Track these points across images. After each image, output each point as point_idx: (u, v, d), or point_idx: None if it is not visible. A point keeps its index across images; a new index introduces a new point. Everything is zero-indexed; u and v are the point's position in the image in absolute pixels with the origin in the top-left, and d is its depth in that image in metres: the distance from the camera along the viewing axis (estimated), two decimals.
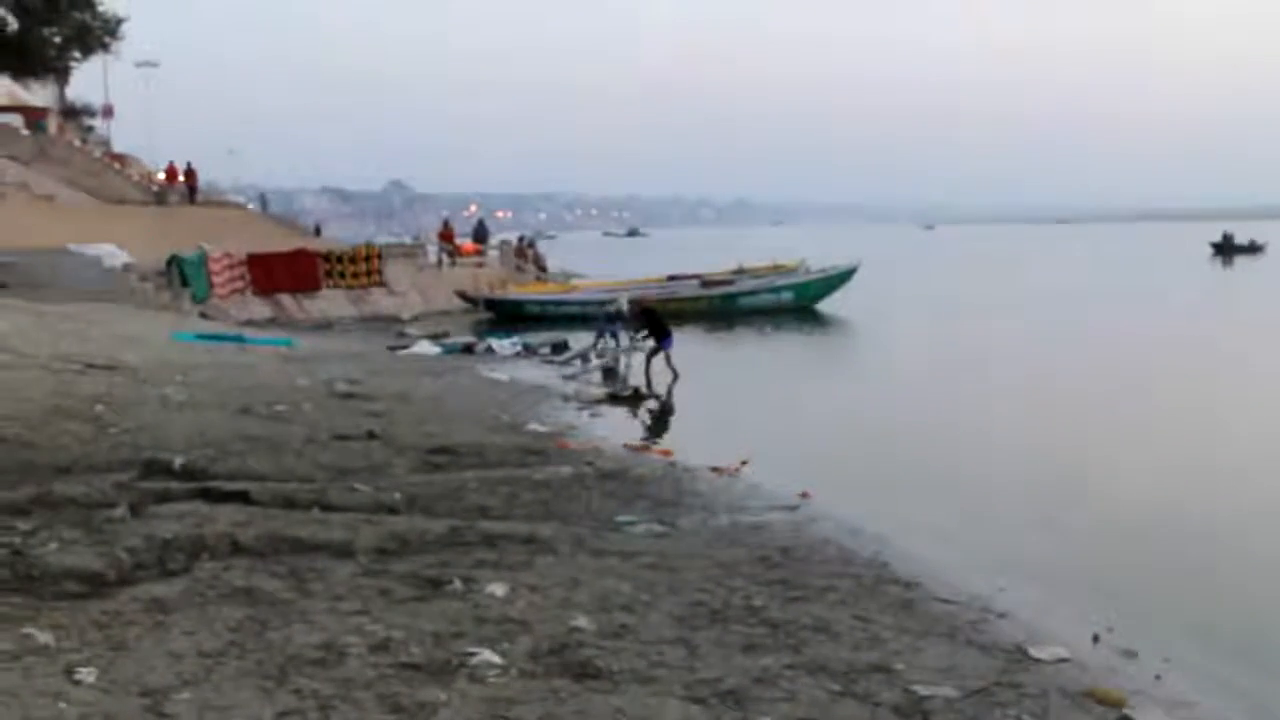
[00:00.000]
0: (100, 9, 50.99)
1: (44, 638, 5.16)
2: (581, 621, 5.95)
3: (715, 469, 11.27)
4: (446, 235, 41.75)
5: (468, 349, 23.39)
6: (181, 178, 47.72)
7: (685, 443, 13.09)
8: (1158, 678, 6.32)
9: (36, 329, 17.39)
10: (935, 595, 7.33)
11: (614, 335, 22.59)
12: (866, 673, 5.57)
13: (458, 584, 6.51)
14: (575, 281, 40.64)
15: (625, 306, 22.68)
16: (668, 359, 19.51)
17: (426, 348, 22.93)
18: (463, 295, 33.42)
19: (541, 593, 6.46)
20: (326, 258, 32.09)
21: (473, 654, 5.35)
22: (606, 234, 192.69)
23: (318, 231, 51.12)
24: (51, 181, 40.86)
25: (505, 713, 4.73)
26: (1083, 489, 11.72)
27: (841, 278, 34.03)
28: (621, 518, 8.77)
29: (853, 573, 7.71)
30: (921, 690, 5.37)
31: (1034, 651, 6.25)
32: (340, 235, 66.28)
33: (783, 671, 5.48)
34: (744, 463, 11.49)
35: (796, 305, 32.85)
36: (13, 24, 46.51)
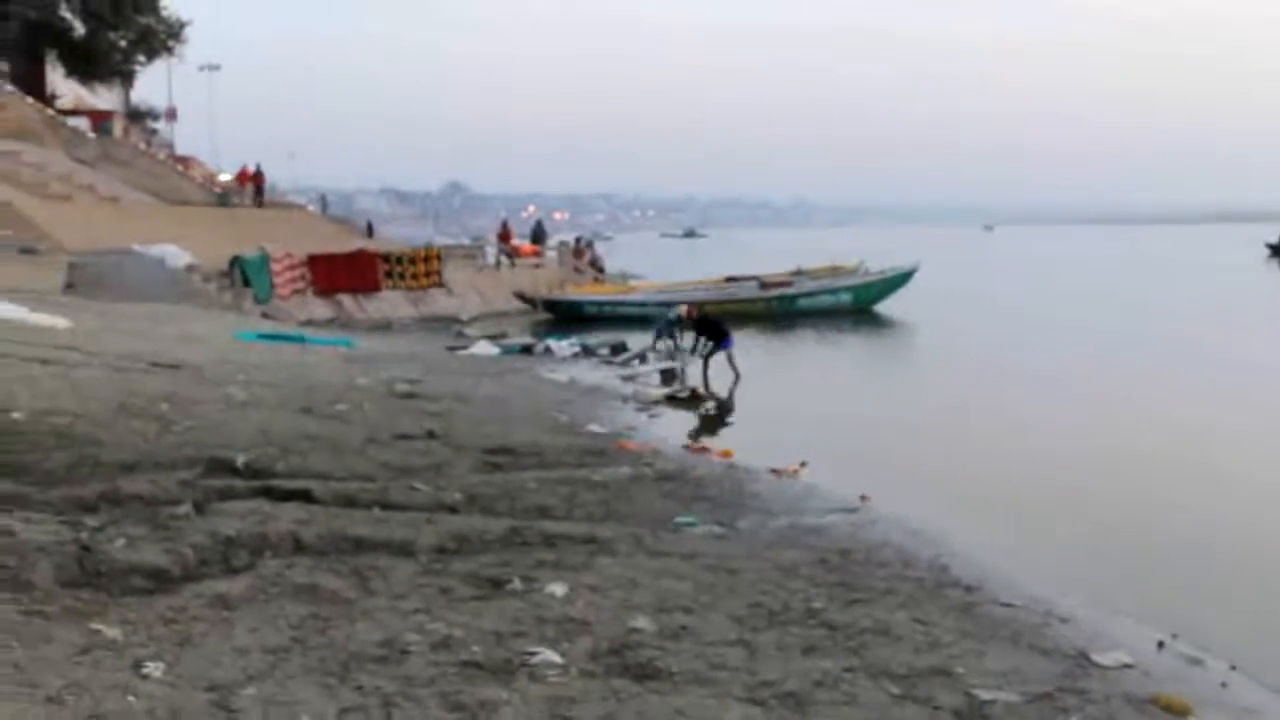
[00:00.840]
0: (164, 13, 51.60)
1: (112, 632, 5.22)
2: (641, 622, 5.96)
3: (774, 471, 11.24)
4: (505, 236, 41.95)
5: (526, 350, 23.47)
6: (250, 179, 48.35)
7: (744, 444, 13.08)
8: (1224, 685, 6.24)
9: (103, 328, 17.61)
10: (996, 599, 7.26)
11: (672, 336, 22.62)
12: (927, 676, 5.54)
13: (518, 583, 6.54)
14: (633, 282, 40.68)
15: (684, 312, 22.76)
16: (730, 359, 19.52)
17: (485, 348, 23.02)
18: (521, 296, 33.54)
19: (601, 593, 6.47)
20: (386, 259, 32.28)
21: (533, 653, 5.37)
22: (664, 235, 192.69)
23: (370, 230, 51.43)
24: (117, 183, 41.38)
25: (566, 712, 4.74)
26: (1146, 497, 11.60)
27: (900, 279, 33.87)
28: (680, 519, 8.77)
29: (913, 575, 7.66)
30: (983, 694, 5.33)
31: (1097, 657, 6.17)
32: (398, 236, 66.68)
33: (843, 674, 5.46)
34: (803, 464, 11.47)
35: (855, 307, 32.74)
36: (79, 29, 47.40)
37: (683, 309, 23.13)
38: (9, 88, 43.98)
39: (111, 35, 50.66)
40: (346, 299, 30.55)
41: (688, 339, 21.57)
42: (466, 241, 55.78)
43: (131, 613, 5.58)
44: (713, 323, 20.19)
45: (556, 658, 5.35)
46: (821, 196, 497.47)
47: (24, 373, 12.12)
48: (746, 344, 21.37)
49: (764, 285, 33.93)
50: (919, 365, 24.59)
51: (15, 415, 9.87)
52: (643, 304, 30.43)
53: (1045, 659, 6.06)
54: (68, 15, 48.82)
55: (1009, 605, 7.13)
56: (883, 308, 33.11)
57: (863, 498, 10.09)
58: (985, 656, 5.93)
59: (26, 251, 25.03)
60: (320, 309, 29.54)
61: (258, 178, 49.05)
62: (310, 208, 55.58)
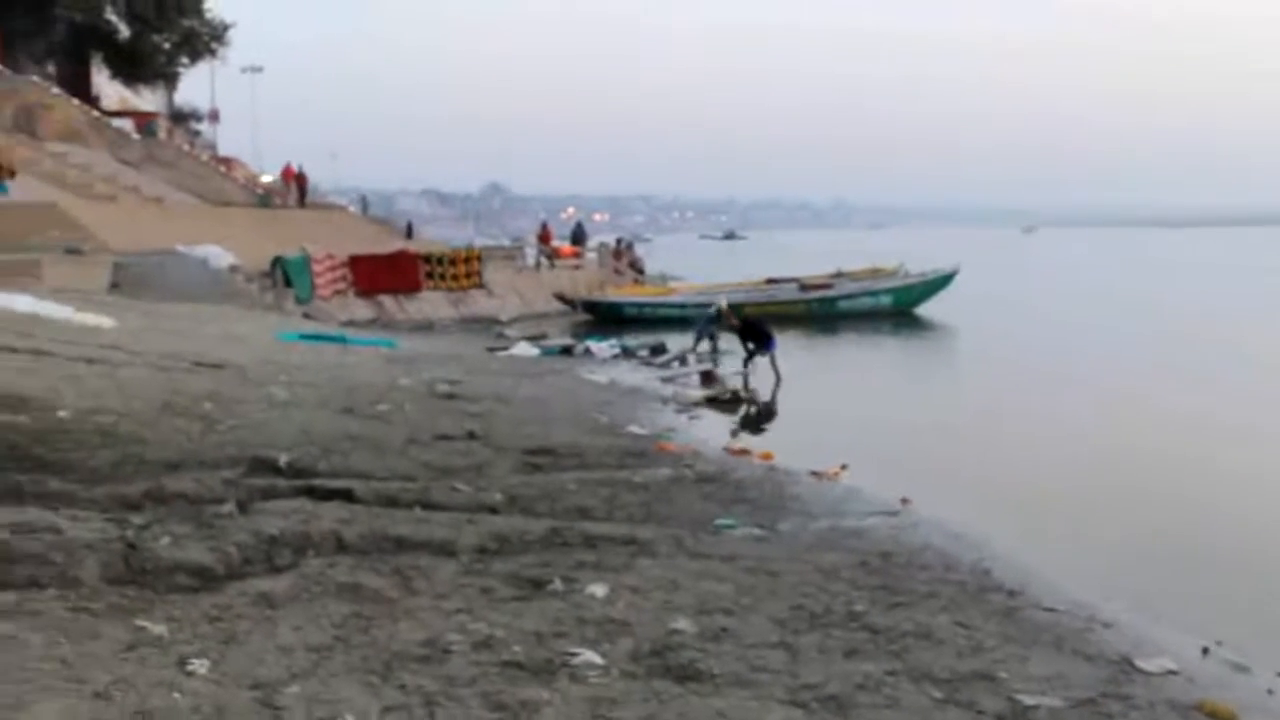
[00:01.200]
0: (207, 16, 51.88)
1: (158, 629, 5.26)
2: (682, 624, 5.96)
3: (815, 473, 11.22)
4: (545, 238, 42.05)
5: (566, 351, 23.53)
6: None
7: (785, 446, 13.05)
8: (1270, 692, 6.19)
9: (147, 328, 17.76)
10: (1039, 603, 7.22)
11: (712, 337, 22.62)
12: (970, 680, 5.51)
13: (558, 584, 6.55)
14: (672, 284, 40.68)
15: (724, 305, 22.82)
16: (772, 360, 19.50)
17: (525, 349, 23.08)
18: (561, 297, 33.61)
19: (642, 594, 6.47)
20: (427, 260, 32.39)
21: (574, 654, 5.38)
22: (703, 236, 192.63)
23: (410, 231, 51.60)
24: (161, 184, 41.70)
25: (607, 713, 4.75)
26: (1189, 501, 11.51)
27: (941, 282, 33.74)
28: (721, 521, 8.77)
29: (955, 579, 7.63)
30: (1026, 699, 5.31)
31: (1141, 663, 6.13)
32: (439, 237, 66.83)
33: (885, 678, 5.44)
34: (843, 467, 11.44)
35: (896, 310, 32.63)
36: (124, 32, 47.67)
37: (722, 302, 23.22)
38: (55, 90, 44.38)
39: (155, 38, 51.09)
40: (387, 300, 30.66)
41: (725, 338, 21.63)
42: (506, 242, 55.87)
43: (177, 610, 5.62)
44: (756, 326, 20.17)
45: (597, 658, 5.35)
46: (861, 198, 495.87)
47: (70, 372, 12.23)
48: (787, 346, 21.29)
49: (804, 287, 33.86)
50: (959, 368, 24.51)
51: (62, 414, 9.96)
52: (682, 305, 30.48)
53: (1089, 664, 6.02)
54: (113, 18, 49.25)
55: (1051, 610, 7.09)
56: (923, 310, 32.98)
57: (904, 500, 10.05)
58: (1028, 661, 5.91)
59: (72, 252, 25.25)
60: (361, 310, 29.67)
61: (301, 178, 49.35)
62: (351, 209, 55.83)
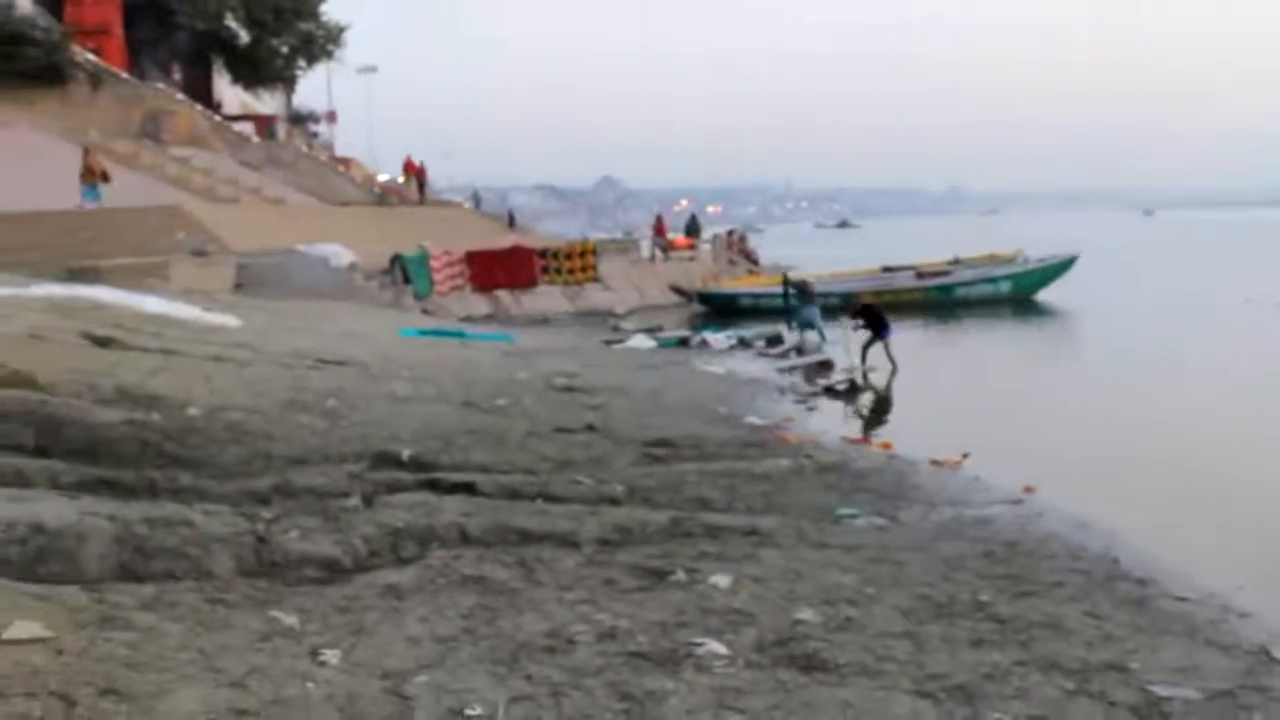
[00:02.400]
0: (323, 19, 52.91)
1: (289, 620, 5.38)
2: (806, 614, 5.94)
3: (935, 462, 11.10)
4: (660, 230, 42.14)
5: (683, 342, 23.50)
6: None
7: (904, 435, 12.95)
8: None
9: (271, 326, 18.08)
10: (1170, 592, 7.07)
11: (810, 324, 22.50)
12: (1100, 671, 5.42)
13: (681, 575, 6.56)
14: (789, 273, 40.47)
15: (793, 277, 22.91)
16: (887, 348, 19.33)
17: (641, 341, 23.09)
18: (676, 289, 33.61)
19: (765, 584, 6.46)
20: (543, 254, 32.57)
21: (699, 644, 5.38)
22: (818, 226, 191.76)
23: (511, 221, 51.95)
24: (280, 185, 42.51)
25: (733, 703, 4.75)
26: None
27: (1061, 268, 33.16)
28: (842, 510, 8.71)
29: (1082, 568, 7.50)
30: (1160, 691, 5.20)
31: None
32: (552, 231, 67.24)
33: (1013, 668, 5.37)
34: (965, 456, 11.30)
35: (1014, 296, 32.14)
36: (244, 37, 48.79)
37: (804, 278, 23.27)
38: (179, 96, 45.47)
39: (274, 42, 52.16)
40: (504, 295, 30.92)
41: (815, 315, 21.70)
42: (620, 235, 56.02)
43: (307, 601, 5.74)
44: (874, 311, 20.00)
45: (722, 649, 5.36)
46: (976, 183, 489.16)
47: (199, 370, 12.50)
48: (903, 334, 21.10)
49: (921, 275, 33.52)
50: (1081, 354, 24.07)
51: (192, 411, 10.18)
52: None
53: (1225, 655, 5.88)
54: (233, 24, 50.35)
55: (1183, 599, 6.94)
56: (1043, 296, 32.44)
57: (1027, 489, 9.90)
58: (1160, 652, 5.79)
59: (198, 253, 25.82)
60: (478, 305, 29.96)
61: (420, 171, 50.04)
62: (466, 205, 56.35)
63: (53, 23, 41.62)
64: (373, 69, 73.44)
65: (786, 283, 24.22)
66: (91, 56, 42.43)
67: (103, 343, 13.11)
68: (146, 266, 23.05)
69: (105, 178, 28.50)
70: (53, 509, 6.50)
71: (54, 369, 10.70)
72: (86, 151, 29.20)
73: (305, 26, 53.47)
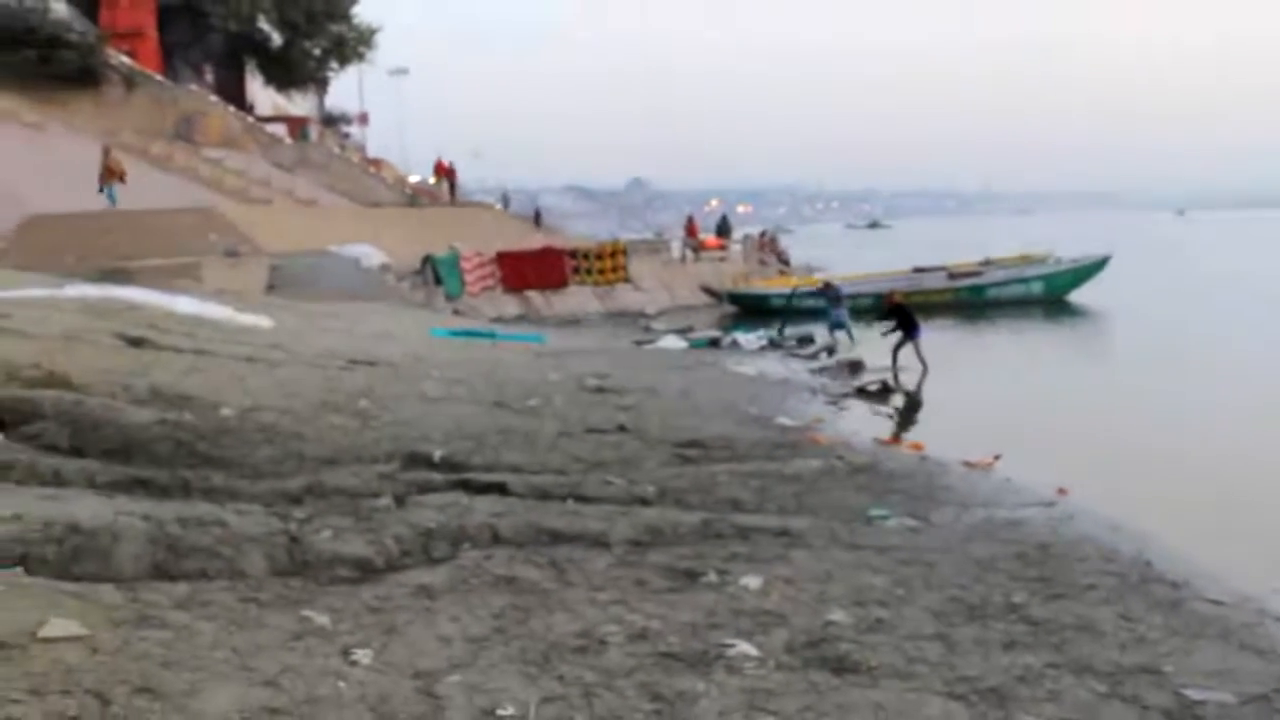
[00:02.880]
0: (355, 21, 53.21)
1: (321, 620, 5.40)
2: (837, 615, 5.93)
3: (967, 463, 11.06)
4: (690, 230, 42.14)
5: (713, 343, 23.50)
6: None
7: (935, 436, 12.91)
8: None
9: (303, 327, 18.15)
10: (1204, 595, 7.02)
11: (841, 324, 22.47)
12: (1134, 674, 5.39)
13: (712, 575, 6.56)
14: (817, 275, 40.41)
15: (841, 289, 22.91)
16: (917, 350, 19.27)
17: (672, 342, 23.11)
18: (707, 290, 33.59)
19: (796, 586, 6.45)
20: (573, 255, 32.61)
21: (730, 645, 5.38)
22: (849, 226, 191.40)
23: (538, 219, 52.01)
24: (313, 187, 42.72)
25: (764, 704, 4.75)
26: None
27: (1093, 268, 32.99)
28: (874, 512, 8.68)
29: (1115, 571, 7.46)
30: (1194, 694, 5.17)
31: None
32: (582, 231, 67.22)
33: (1045, 670, 5.35)
34: (996, 457, 11.26)
35: (1046, 297, 31.99)
36: (277, 40, 49.08)
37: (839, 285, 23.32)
38: (213, 98, 45.74)
39: (306, 44, 52.40)
40: (535, 295, 30.98)
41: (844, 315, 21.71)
42: (650, 236, 55.93)
43: (339, 601, 5.76)
44: (904, 311, 19.93)
45: (753, 650, 5.35)
46: (1008, 184, 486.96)
47: (231, 371, 12.55)
48: (935, 335, 21.03)
49: (952, 275, 33.39)
50: (1113, 356, 23.93)
51: (225, 412, 10.23)
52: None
53: (1259, 659, 5.84)
54: (265, 27, 50.60)
55: (1217, 602, 6.89)
56: (1075, 297, 32.28)
57: (1060, 491, 9.86)
58: (1194, 655, 5.75)
59: (231, 254, 25.96)
60: (509, 306, 30.03)
61: (450, 173, 50.18)
62: (497, 206, 56.38)
63: (88, 26, 41.96)
64: (404, 71, 73.63)
65: (792, 295, 24.08)
66: (126, 59, 42.76)
67: (136, 343, 13.19)
68: (179, 267, 23.18)
69: (123, 178, 28.52)
70: (88, 508, 6.55)
71: (88, 369, 10.78)
72: (106, 151, 29.24)
73: (337, 28, 53.70)
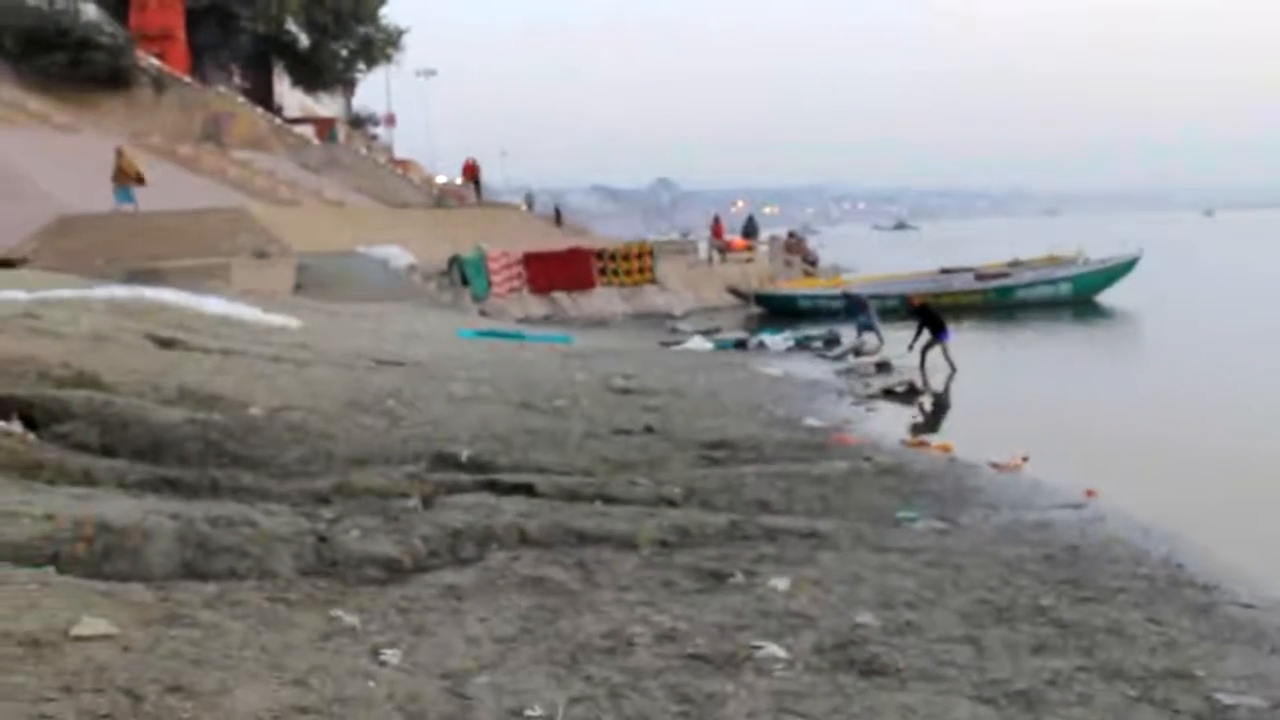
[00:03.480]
0: (383, 22, 53.48)
1: (350, 619, 5.41)
2: (865, 617, 5.91)
3: (995, 465, 11.03)
4: (717, 231, 42.11)
5: (740, 344, 23.48)
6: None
7: (963, 438, 12.86)
8: None
9: (330, 327, 18.24)
10: (1235, 599, 6.98)
11: (869, 326, 22.39)
12: (1164, 678, 5.35)
13: (740, 577, 6.55)
14: (844, 276, 40.35)
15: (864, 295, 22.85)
16: (945, 352, 19.22)
17: (699, 343, 23.11)
18: (734, 291, 33.57)
19: (824, 587, 6.44)
20: (600, 255, 32.60)
21: (758, 647, 5.37)
22: (876, 227, 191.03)
23: (558, 218, 52.09)
24: (340, 188, 42.86)
25: (793, 707, 4.73)
26: None
27: (1123, 269, 32.76)
28: (902, 514, 8.67)
29: (1145, 574, 7.42)
30: (1225, 699, 5.13)
31: None
32: (608, 232, 67.21)
33: (1075, 674, 5.32)
34: (1025, 459, 11.22)
35: (1075, 298, 31.83)
36: (304, 41, 49.33)
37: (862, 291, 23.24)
38: (241, 99, 45.96)
39: (334, 46, 52.60)
40: (562, 296, 31.01)
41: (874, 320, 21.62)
42: (676, 237, 55.91)
43: (367, 601, 5.77)
44: (930, 312, 19.88)
45: (781, 652, 5.34)
46: (1035, 185, 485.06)
47: (260, 371, 12.62)
48: (962, 336, 20.96)
49: (980, 276, 33.27)
50: (1143, 357, 23.81)
51: (254, 411, 10.28)
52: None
53: None
54: (293, 28, 50.80)
55: (1249, 606, 6.84)
56: (1104, 298, 32.11)
57: (1089, 493, 9.82)
58: (1226, 659, 5.71)
59: (259, 255, 26.09)
60: (536, 306, 30.08)
61: (475, 171, 50.34)
62: (522, 207, 56.41)
63: (118, 28, 42.21)
64: (432, 72, 73.73)
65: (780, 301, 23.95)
66: (155, 61, 42.99)
67: (165, 343, 13.27)
68: (208, 268, 23.31)
69: (140, 180, 28.23)
70: (118, 507, 6.60)
71: (118, 369, 10.85)
72: (119, 153, 28.89)
73: (364, 30, 53.87)
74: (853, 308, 23.45)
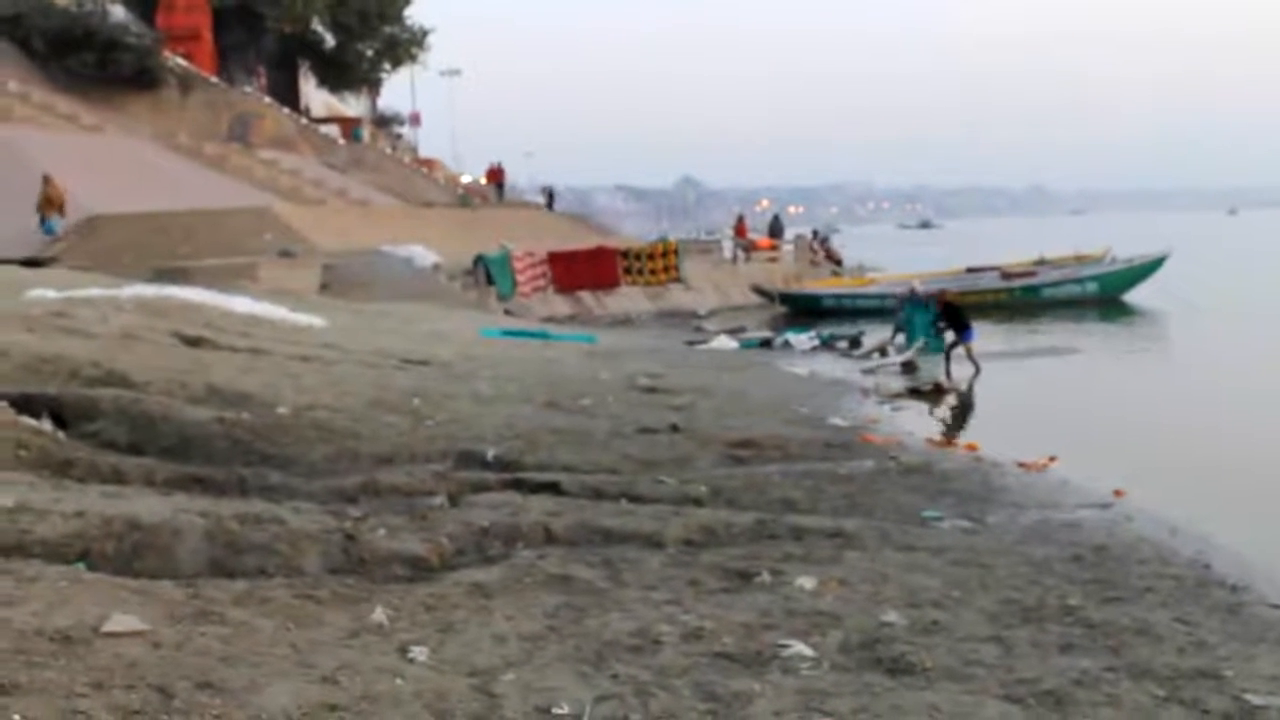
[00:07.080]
0: (408, 22, 53.34)
1: (378, 617, 5.43)
2: (892, 616, 5.90)
3: (1022, 464, 10.99)
4: (741, 230, 42.09)
5: (765, 344, 23.48)
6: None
7: (989, 437, 12.82)
8: None
9: (356, 327, 18.30)
10: (1264, 600, 6.92)
11: (907, 326, 22.26)
12: (1193, 679, 5.32)
13: (766, 576, 6.54)
14: (870, 275, 40.27)
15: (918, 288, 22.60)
16: (969, 351, 19.16)
17: (724, 342, 23.11)
18: (759, 290, 33.54)
19: (850, 587, 6.42)
20: (624, 255, 32.57)
21: (785, 646, 5.37)
22: (901, 226, 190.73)
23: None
24: (365, 187, 42.91)
25: (819, 705, 4.73)
26: None
27: (1150, 267, 32.60)
28: (928, 513, 8.64)
29: (1173, 574, 7.38)
30: (1255, 699, 5.10)
31: None
32: (632, 232, 67.22)
33: (1103, 674, 5.29)
34: (1052, 458, 11.17)
35: (1102, 297, 31.68)
36: (330, 41, 49.40)
37: (916, 284, 22.91)
38: (267, 100, 46.10)
39: (359, 46, 52.64)
40: (586, 296, 31.01)
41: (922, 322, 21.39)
42: (700, 236, 55.81)
43: (395, 599, 5.79)
44: (955, 310, 19.81)
45: (808, 650, 5.34)
46: (1059, 183, 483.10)
47: (286, 370, 12.68)
48: (988, 336, 20.89)
49: (1006, 275, 33.15)
50: (1170, 356, 23.73)
51: (281, 410, 10.32)
52: (880, 296, 30.04)
53: None
54: (319, 28, 50.90)
55: (1277, 606, 6.80)
56: (1131, 297, 31.96)
57: (1116, 493, 9.76)
58: (1255, 660, 5.67)
59: (285, 254, 26.20)
60: (561, 306, 30.09)
61: (499, 174, 50.43)
62: (542, 203, 56.39)
63: (145, 29, 42.35)
64: (456, 72, 73.87)
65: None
66: (182, 61, 43.13)
67: (193, 342, 13.35)
68: (235, 267, 23.45)
69: (62, 210, 27.47)
70: (148, 505, 6.65)
71: (147, 368, 10.91)
72: (46, 181, 27.71)
73: (390, 30, 53.90)
74: (914, 305, 22.73)
